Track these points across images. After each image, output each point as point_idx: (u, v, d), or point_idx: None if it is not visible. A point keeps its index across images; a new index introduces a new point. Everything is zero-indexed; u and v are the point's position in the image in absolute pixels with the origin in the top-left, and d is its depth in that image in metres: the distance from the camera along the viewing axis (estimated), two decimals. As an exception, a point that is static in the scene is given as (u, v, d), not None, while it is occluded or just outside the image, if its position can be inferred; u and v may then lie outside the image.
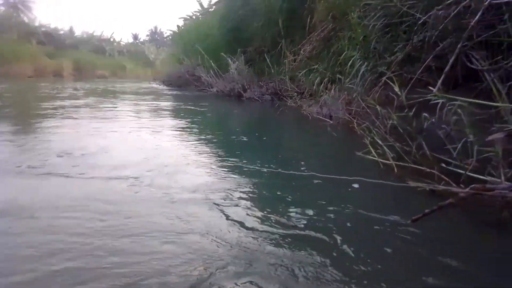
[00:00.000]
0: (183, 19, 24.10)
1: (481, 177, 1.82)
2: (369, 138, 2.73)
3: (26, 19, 27.47)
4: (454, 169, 2.02)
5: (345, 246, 1.37)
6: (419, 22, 3.42)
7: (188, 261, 1.26)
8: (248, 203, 1.83)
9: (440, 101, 2.43)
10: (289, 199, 1.88)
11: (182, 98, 9.73)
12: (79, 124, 4.40)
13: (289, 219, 1.61)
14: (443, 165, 2.08)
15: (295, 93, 6.73)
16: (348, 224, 1.56)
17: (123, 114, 5.63)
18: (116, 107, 6.86)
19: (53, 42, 27.29)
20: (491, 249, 1.39)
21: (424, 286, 1.13)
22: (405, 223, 1.53)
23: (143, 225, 1.52)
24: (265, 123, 5.50)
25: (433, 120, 2.60)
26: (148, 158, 2.70)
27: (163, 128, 4.38)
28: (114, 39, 33.62)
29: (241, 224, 1.57)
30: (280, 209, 1.73)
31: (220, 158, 2.84)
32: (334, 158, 3.14)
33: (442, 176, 1.93)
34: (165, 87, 16.37)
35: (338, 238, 1.43)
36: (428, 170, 2.07)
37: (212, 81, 10.03)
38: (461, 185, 1.73)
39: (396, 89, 2.47)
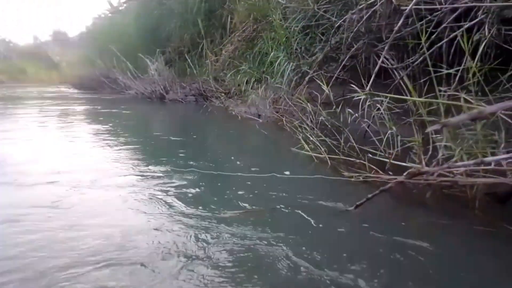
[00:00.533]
0: (92, 18, 22.60)
1: (404, 164, 2.06)
2: (301, 134, 2.89)
3: None
4: (379, 158, 2.26)
5: (293, 233, 1.46)
6: (336, 25, 3.69)
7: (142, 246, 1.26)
8: (189, 197, 1.88)
9: (362, 97, 2.67)
10: (226, 196, 1.92)
11: (99, 102, 9.13)
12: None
13: (229, 212, 1.67)
14: (370, 155, 2.31)
15: (221, 93, 6.77)
16: (293, 214, 1.66)
17: (36, 121, 5.12)
18: (27, 114, 6.24)
19: None
20: (419, 222, 1.61)
21: (371, 258, 1.27)
22: (348, 209, 1.68)
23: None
24: (193, 123, 5.44)
25: (356, 115, 2.86)
26: (78, 164, 2.56)
27: (85, 133, 4.10)
28: (10, 40, 30.09)
29: (184, 215, 1.64)
30: (218, 203, 1.79)
31: (153, 160, 2.75)
32: (267, 155, 3.25)
33: (372, 166, 2.13)
34: (75, 91, 15.21)
35: (284, 226, 1.51)
36: (358, 160, 2.27)
37: (131, 83, 9.59)
38: (390, 172, 1.94)
39: (324, 87, 2.66)
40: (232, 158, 2.84)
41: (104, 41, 13.69)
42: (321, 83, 2.74)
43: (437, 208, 1.72)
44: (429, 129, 1.21)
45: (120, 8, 19.82)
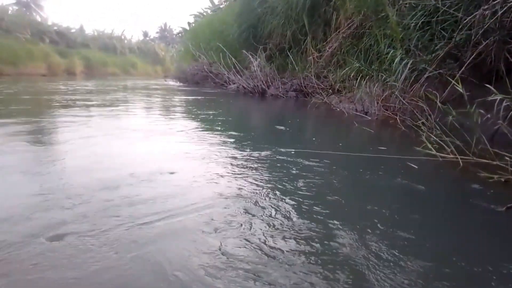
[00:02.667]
0: (193, 16, 24.23)
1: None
2: (424, 134, 2.87)
3: (38, 18, 27.75)
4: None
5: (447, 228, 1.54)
6: (464, 21, 3.53)
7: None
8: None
9: (498, 98, 2.56)
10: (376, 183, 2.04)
11: (206, 94, 9.90)
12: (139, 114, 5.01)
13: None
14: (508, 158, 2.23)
15: (322, 90, 6.86)
16: (443, 214, 1.73)
17: (166, 106, 6.10)
18: (154, 101, 7.44)
19: (65, 41, 27.57)
20: None
21: None
22: (499, 211, 1.69)
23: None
24: (299, 116, 5.63)
25: (488, 116, 2.75)
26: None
27: (206, 119, 4.73)
28: (124, 36, 33.85)
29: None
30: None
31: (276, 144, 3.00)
32: (389, 153, 3.28)
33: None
34: (180, 84, 16.56)
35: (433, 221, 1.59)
36: (495, 163, 2.21)
37: (235, 78, 10.16)
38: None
39: (459, 88, 2.60)
40: (343, 148, 2.95)
41: (205, 37, 14.69)
42: (456, 85, 2.66)
43: None
44: None
45: (221, 6, 20.98)
